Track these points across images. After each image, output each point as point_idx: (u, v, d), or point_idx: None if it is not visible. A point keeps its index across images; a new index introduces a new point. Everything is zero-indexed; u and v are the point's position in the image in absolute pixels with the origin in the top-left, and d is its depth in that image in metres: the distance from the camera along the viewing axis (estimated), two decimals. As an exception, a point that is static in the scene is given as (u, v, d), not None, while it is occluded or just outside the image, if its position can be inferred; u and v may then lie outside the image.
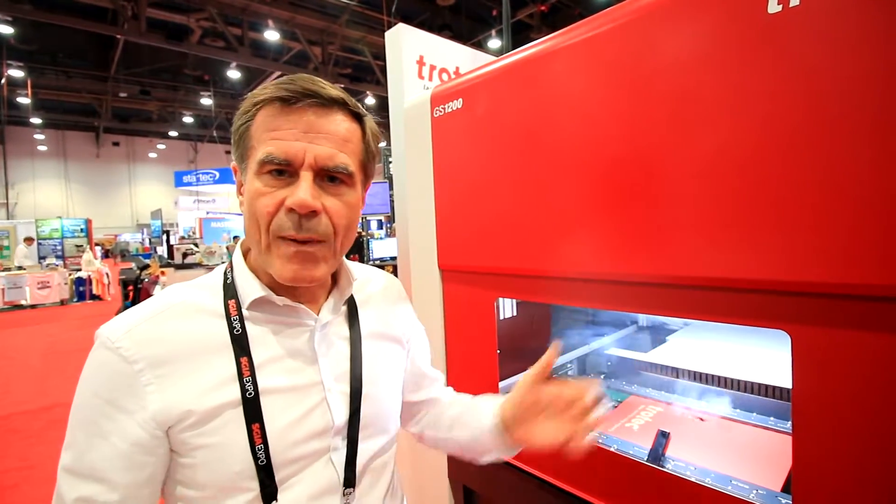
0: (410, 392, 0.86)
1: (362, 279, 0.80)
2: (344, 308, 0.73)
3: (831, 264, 0.59)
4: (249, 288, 0.64)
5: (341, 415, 0.66)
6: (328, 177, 0.61)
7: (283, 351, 0.65)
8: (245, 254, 0.69)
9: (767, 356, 1.20)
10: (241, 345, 0.62)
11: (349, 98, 0.64)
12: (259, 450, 0.59)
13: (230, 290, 0.65)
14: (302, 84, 0.60)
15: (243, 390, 0.60)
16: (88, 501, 0.56)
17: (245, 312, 0.64)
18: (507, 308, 1.37)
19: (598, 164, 0.85)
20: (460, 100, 1.10)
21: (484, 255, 1.11)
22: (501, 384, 1.19)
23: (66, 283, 10.00)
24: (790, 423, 0.65)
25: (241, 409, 0.59)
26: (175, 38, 10.64)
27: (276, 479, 0.60)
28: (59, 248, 12.83)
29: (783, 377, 1.03)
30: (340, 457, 0.66)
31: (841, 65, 0.57)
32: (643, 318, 1.67)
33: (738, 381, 1.17)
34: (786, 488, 0.78)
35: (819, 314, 0.61)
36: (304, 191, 0.58)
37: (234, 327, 0.62)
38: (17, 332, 7.55)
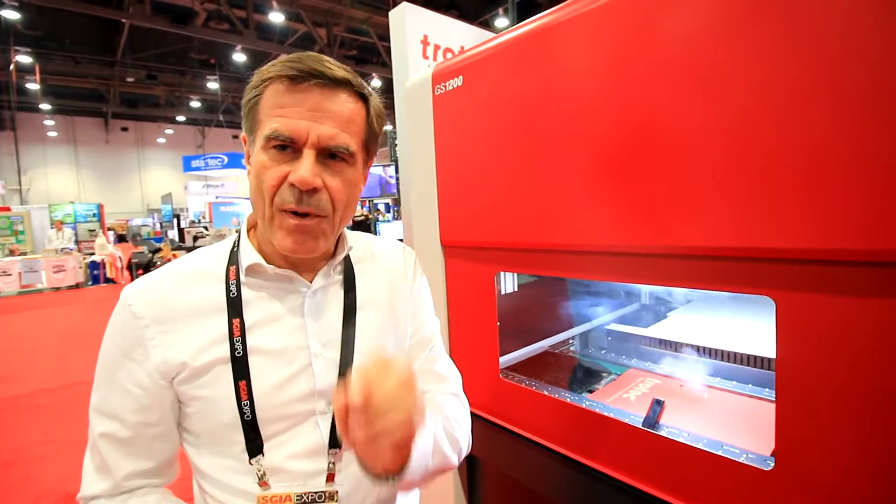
0: None
1: (364, 246, 0.82)
2: (340, 277, 0.76)
3: (814, 230, 0.61)
4: (247, 256, 0.69)
5: (325, 380, 0.69)
6: (330, 154, 0.64)
7: (274, 315, 0.69)
8: (251, 228, 0.73)
9: (764, 329, 1.22)
10: (234, 307, 0.67)
11: (355, 78, 0.66)
12: (245, 405, 0.64)
13: (233, 258, 0.70)
14: (309, 63, 0.61)
15: (233, 349, 0.65)
16: (109, 436, 0.64)
17: (243, 278, 0.69)
18: (507, 286, 1.40)
19: (594, 139, 0.87)
20: (461, 77, 1.11)
21: (485, 231, 1.13)
22: (502, 359, 1.23)
23: (80, 267, 10.20)
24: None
25: (230, 366, 0.64)
26: (180, 22, 10.57)
27: (263, 435, 0.65)
28: (73, 232, 13.05)
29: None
30: (327, 420, 0.69)
31: (831, 35, 0.58)
32: (646, 296, 1.69)
33: (735, 354, 1.19)
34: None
35: (802, 280, 0.63)
36: (304, 168, 0.60)
37: (231, 291, 0.67)
38: (36, 314, 7.76)
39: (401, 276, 0.83)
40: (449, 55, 1.89)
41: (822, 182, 0.60)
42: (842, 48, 0.57)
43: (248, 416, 0.64)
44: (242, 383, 0.64)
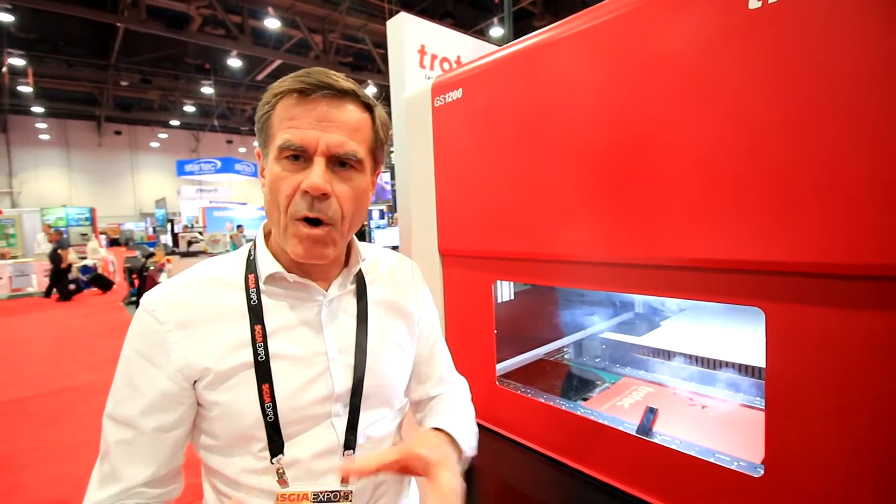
0: (417, 386, 0.89)
1: (375, 258, 0.85)
2: (353, 286, 0.79)
3: (803, 244, 0.63)
4: (266, 264, 0.71)
5: (342, 384, 0.72)
6: (339, 162, 0.67)
7: (293, 322, 0.71)
8: (266, 235, 0.76)
9: (755, 339, 1.25)
10: (256, 314, 0.69)
11: (360, 89, 0.69)
12: (268, 407, 0.66)
13: (251, 266, 0.73)
14: (317, 77, 0.65)
15: (255, 354, 0.67)
16: (123, 443, 0.65)
17: (262, 286, 0.71)
18: (503, 294, 1.42)
19: (590, 153, 0.89)
20: (460, 89, 1.14)
21: (483, 240, 1.15)
22: (499, 366, 1.24)
23: (71, 271, 10.09)
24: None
25: (253, 371, 0.67)
26: (175, 27, 10.59)
27: (283, 435, 0.68)
28: (64, 236, 12.93)
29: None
30: (342, 422, 0.72)
31: (814, 56, 0.61)
32: (640, 305, 1.72)
33: (727, 363, 1.22)
34: (765, 460, 0.84)
35: (791, 291, 0.66)
36: (316, 175, 0.63)
37: (252, 298, 0.70)
38: (26, 318, 7.68)
39: (409, 285, 0.87)
40: (446, 65, 1.92)
41: (811, 196, 0.62)
42: (824, 68, 0.60)
43: (270, 418, 0.66)
44: (265, 386, 0.66)
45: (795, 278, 0.65)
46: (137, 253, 9.52)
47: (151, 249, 8.76)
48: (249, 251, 0.75)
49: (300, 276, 0.72)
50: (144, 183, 25.13)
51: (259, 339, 0.67)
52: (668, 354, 1.34)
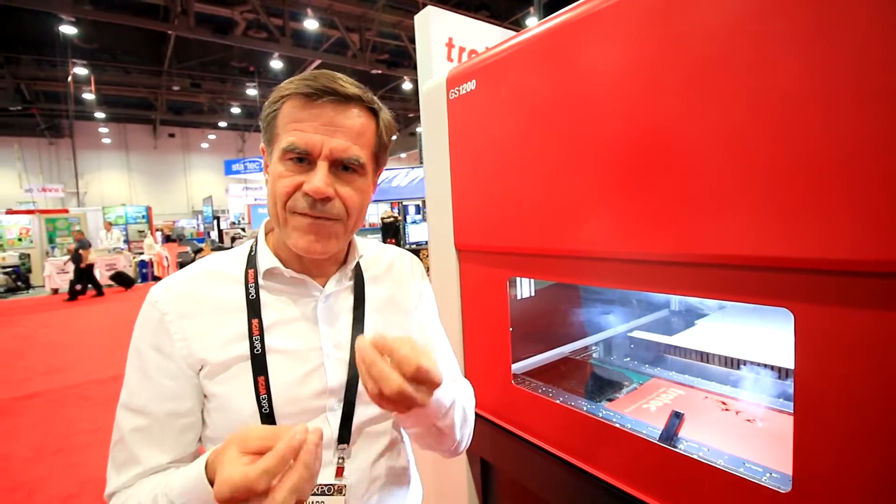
0: None
1: (373, 254, 0.86)
2: (351, 282, 0.79)
3: (832, 240, 0.57)
4: (265, 260, 0.73)
5: (337, 378, 0.72)
6: (342, 166, 0.68)
7: (289, 317, 0.73)
8: (267, 232, 0.78)
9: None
10: (253, 308, 0.71)
11: (365, 94, 0.70)
12: (263, 399, 0.67)
13: (252, 261, 0.75)
14: (323, 81, 0.66)
15: (252, 347, 0.69)
16: (139, 430, 0.67)
17: (261, 281, 0.73)
18: (524, 289, 1.38)
19: (607, 144, 0.84)
20: (474, 81, 1.11)
21: (497, 235, 1.12)
22: (516, 366, 1.21)
23: (130, 266, 10.79)
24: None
25: (249, 363, 0.68)
26: (221, 32, 11.04)
27: None
28: (124, 233, 13.82)
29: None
30: (336, 416, 0.72)
31: (861, 36, 0.54)
32: (676, 303, 1.63)
33: (766, 366, 1.13)
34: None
35: (821, 291, 0.59)
36: (319, 179, 0.65)
37: (250, 293, 0.72)
38: (89, 309, 8.28)
39: (407, 279, 0.87)
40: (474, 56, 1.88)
41: (842, 190, 0.56)
42: (861, 53, 0.53)
43: (266, 410, 0.67)
44: (261, 379, 0.68)
45: (826, 277, 0.58)
46: (188, 248, 10.05)
47: (201, 245, 9.24)
48: (251, 247, 0.77)
49: (298, 271, 0.73)
50: (196, 182, 26.45)
51: (256, 333, 0.69)
52: (702, 355, 1.26)
